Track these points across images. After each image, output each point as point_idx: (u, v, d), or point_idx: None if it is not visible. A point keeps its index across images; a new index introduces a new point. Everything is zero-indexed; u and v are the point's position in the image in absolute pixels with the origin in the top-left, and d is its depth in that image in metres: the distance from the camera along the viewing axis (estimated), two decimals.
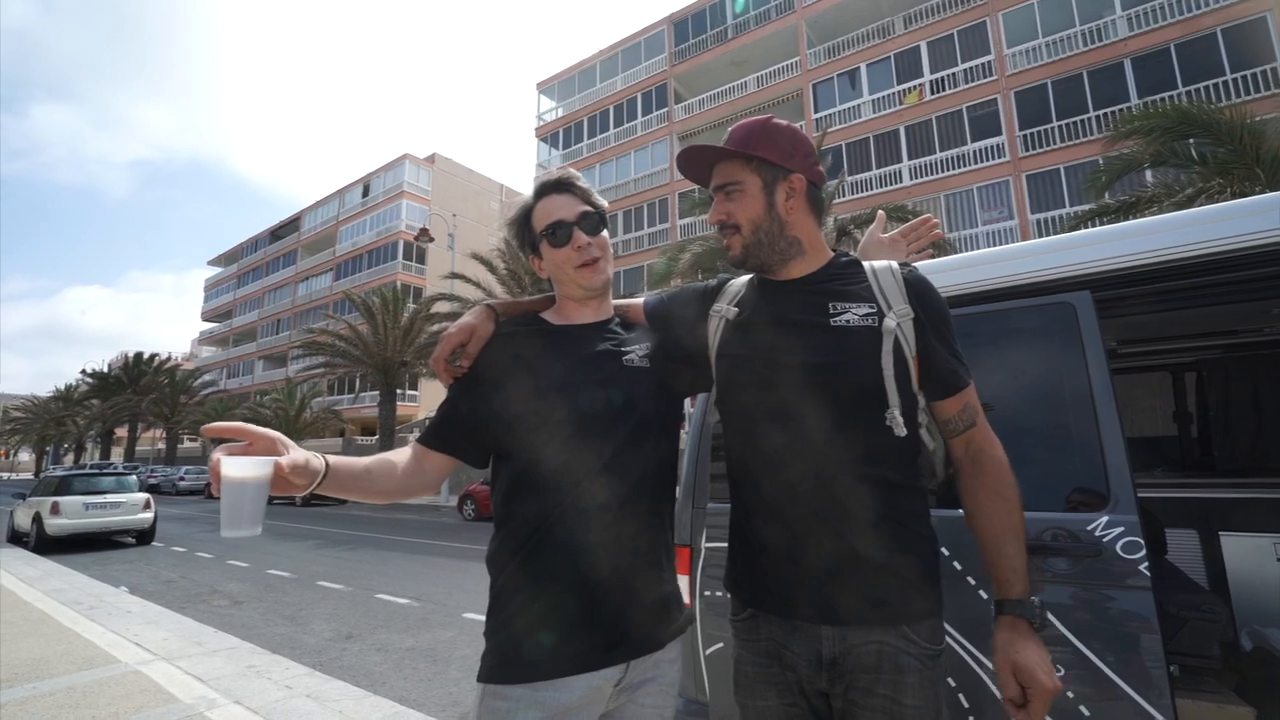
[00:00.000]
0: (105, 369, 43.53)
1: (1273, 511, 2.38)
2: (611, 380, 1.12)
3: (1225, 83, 15.48)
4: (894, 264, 1.15)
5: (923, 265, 1.88)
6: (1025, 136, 17.99)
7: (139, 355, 41.62)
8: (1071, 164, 16.98)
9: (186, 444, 45.34)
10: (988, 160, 18.42)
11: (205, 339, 55.16)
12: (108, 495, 11.54)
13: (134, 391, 39.71)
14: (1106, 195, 11.92)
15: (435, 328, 20.92)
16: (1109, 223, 10.89)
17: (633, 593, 1.06)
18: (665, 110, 25.67)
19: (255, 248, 50.24)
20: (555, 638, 1.01)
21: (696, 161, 1.22)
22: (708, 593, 1.95)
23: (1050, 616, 1.48)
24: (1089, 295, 1.66)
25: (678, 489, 2.16)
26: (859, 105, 21.00)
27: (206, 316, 54.83)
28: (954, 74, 19.38)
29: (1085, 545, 1.47)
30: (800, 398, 1.07)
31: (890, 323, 1.07)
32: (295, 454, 0.93)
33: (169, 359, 42.97)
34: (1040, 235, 17.10)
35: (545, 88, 30.64)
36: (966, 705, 1.56)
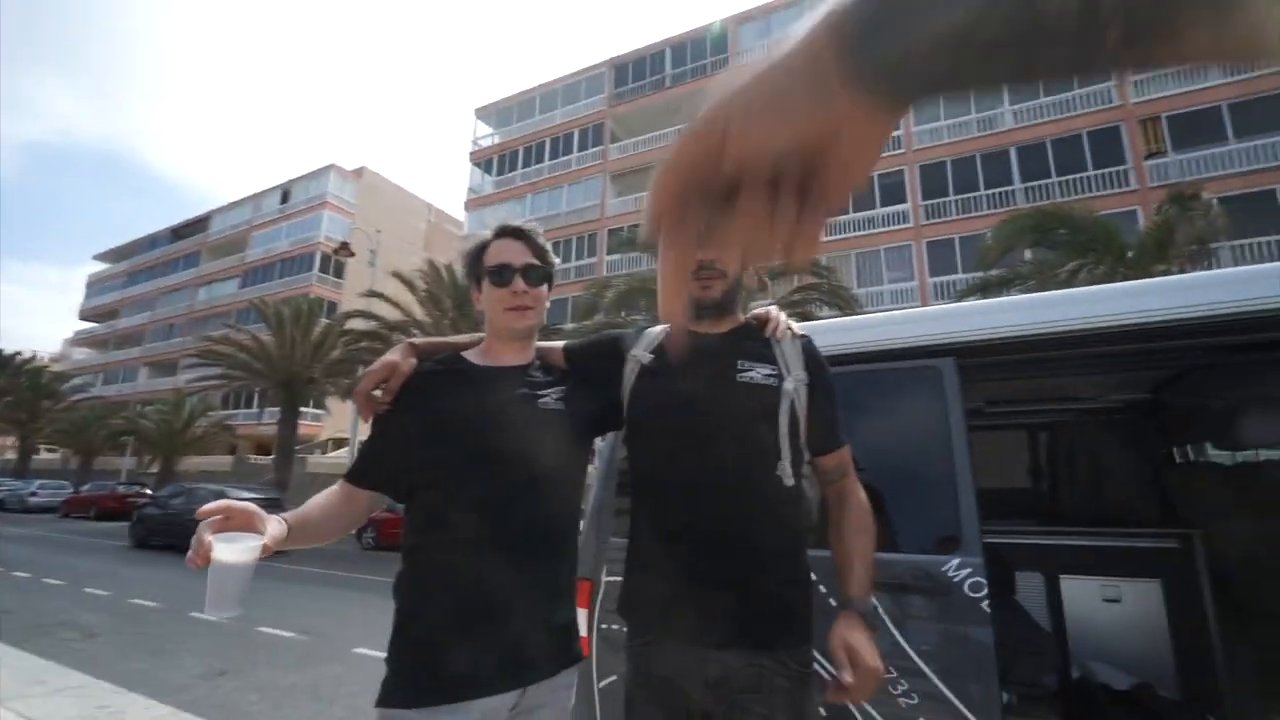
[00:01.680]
0: None
1: (1103, 557, 2.73)
2: (525, 422, 1.20)
3: (1089, 177, 17.74)
4: (792, 329, 1.33)
5: (813, 326, 2.09)
6: (927, 206, 19.74)
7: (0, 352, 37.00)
8: (966, 235, 18.76)
9: (44, 455, 40.40)
10: (894, 225, 20.03)
11: (81, 339, 49.84)
12: None
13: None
14: (991, 270, 13.35)
15: (352, 345, 19.96)
16: (995, 291, 12.29)
17: (531, 622, 1.13)
18: (601, 148, 26.25)
19: (153, 245, 46.36)
20: (453, 664, 1.06)
21: None
22: (604, 625, 2.00)
23: (904, 644, 1.66)
24: (953, 361, 1.90)
25: (582, 523, 2.23)
26: None
27: (86, 315, 49.67)
28: None
29: (938, 584, 1.66)
30: (703, 445, 1.21)
31: (789, 386, 1.23)
32: (272, 528, 0.98)
33: (33, 358, 38.41)
34: (937, 297, 18.68)
35: (484, 113, 30.63)
36: (825, 713, 1.69)
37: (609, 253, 23.71)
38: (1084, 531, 2.80)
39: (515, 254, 1.27)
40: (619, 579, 2.11)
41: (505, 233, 1.30)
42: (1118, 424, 3.08)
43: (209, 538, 0.89)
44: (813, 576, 1.30)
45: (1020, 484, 3.30)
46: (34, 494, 25.32)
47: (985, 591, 1.61)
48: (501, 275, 1.25)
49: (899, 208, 20.05)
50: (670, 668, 1.20)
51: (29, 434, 35.87)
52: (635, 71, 26.53)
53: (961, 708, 1.56)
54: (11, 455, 39.51)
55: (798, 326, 1.39)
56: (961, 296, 14.60)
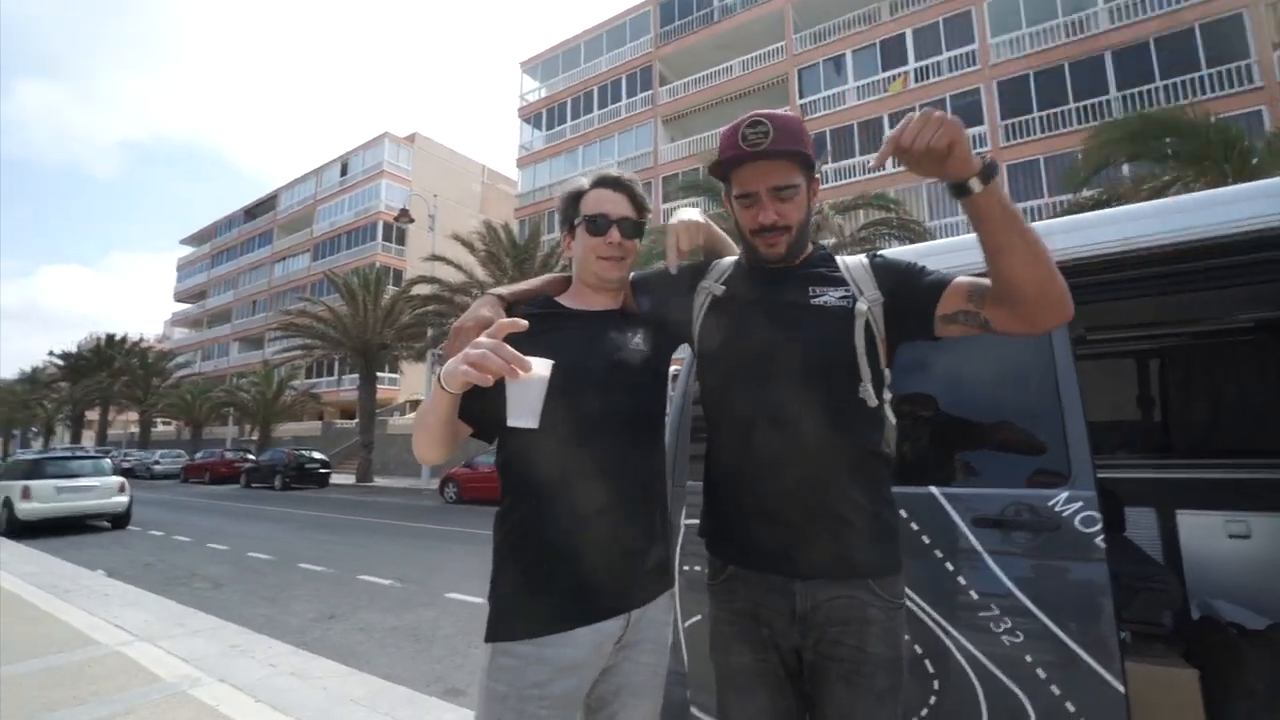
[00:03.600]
0: (75, 350, 42.37)
1: (1225, 491, 2.50)
2: (619, 362, 1.21)
3: (1201, 78, 15.76)
4: (863, 256, 1.26)
5: (900, 250, 1.94)
6: (1007, 126, 18.20)
7: (110, 337, 40.62)
8: (1052, 155, 17.24)
9: (160, 428, 44.54)
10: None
11: (178, 320, 53.98)
12: (81, 479, 11.33)
13: (106, 374, 38.81)
14: (1083, 191, 12.17)
15: (419, 310, 20.68)
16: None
17: (631, 554, 1.15)
18: (650, 93, 25.46)
19: (229, 227, 49.09)
20: (558, 595, 1.08)
21: (761, 156, 1.15)
22: (686, 568, 2.01)
23: (1012, 586, 1.57)
24: None
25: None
26: (844, 92, 21.04)
27: (179, 297, 53.61)
28: (938, 62, 19.50)
29: (1045, 520, 1.55)
30: (780, 371, 1.17)
31: (862, 306, 1.17)
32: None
33: (140, 340, 41.96)
34: None
35: (529, 67, 30.20)
36: (931, 670, 1.64)
37: (664, 200, 23.26)
38: (1204, 464, 2.57)
39: (613, 205, 1.27)
40: (696, 522, 2.11)
41: (604, 182, 1.29)
42: (1243, 345, 2.77)
43: (522, 356, 0.95)
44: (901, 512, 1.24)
45: (1130, 415, 3.06)
46: (157, 463, 28.29)
47: (1099, 526, 1.49)
48: (598, 225, 1.25)
49: (975, 131, 18.56)
50: (754, 601, 1.19)
51: (146, 409, 39.54)
52: (682, 7, 25.33)
53: (1073, 646, 1.48)
54: (134, 429, 43.78)
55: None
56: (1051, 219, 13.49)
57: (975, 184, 0.97)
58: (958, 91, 19.01)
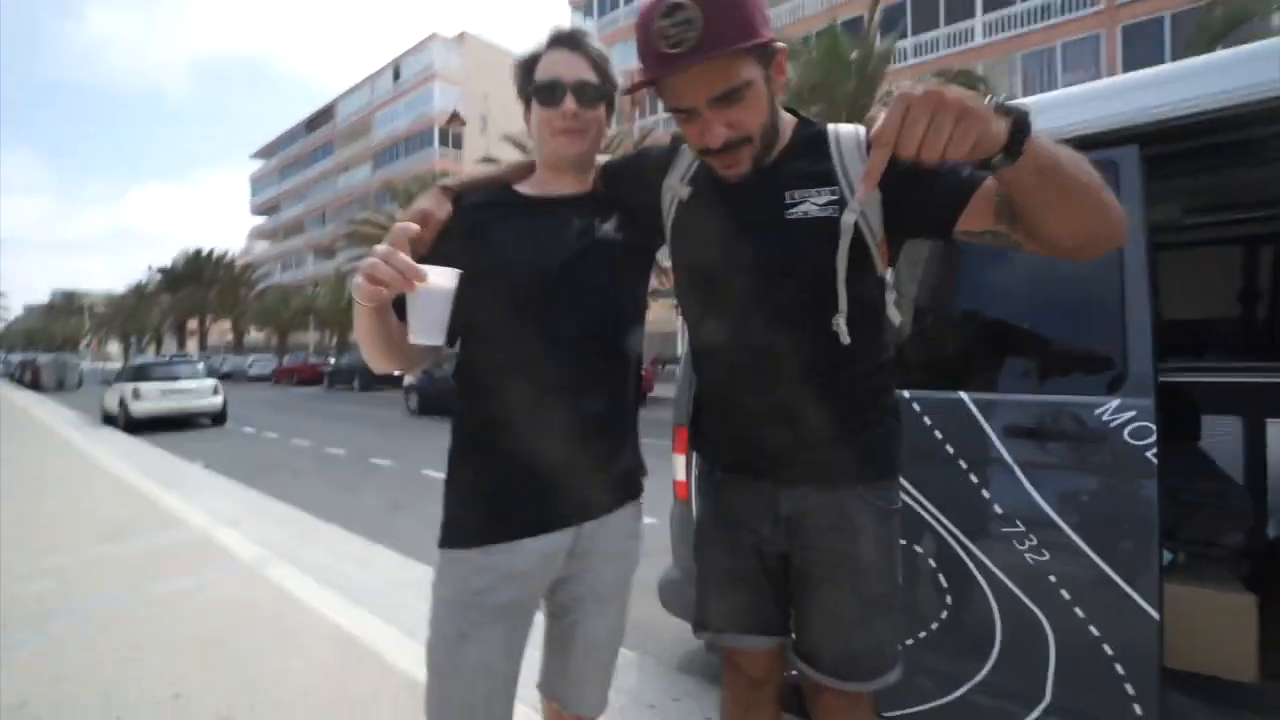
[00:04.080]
0: (170, 265, 45.54)
1: None
2: (584, 253, 1.06)
3: None
4: (860, 130, 1.00)
5: None
6: None
7: (199, 251, 43.23)
8: (1180, 9, 14.70)
9: (252, 335, 48.00)
10: (1077, 9, 16.13)
11: (258, 234, 56.56)
12: (180, 381, 12.51)
13: (199, 285, 41.70)
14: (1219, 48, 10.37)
15: None
16: None
17: (586, 462, 1.06)
18: None
19: (293, 140, 49.86)
20: (504, 503, 1.03)
21: (688, 61, 0.86)
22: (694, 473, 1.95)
23: (1041, 502, 1.41)
24: (1135, 151, 1.42)
25: (678, 369, 2.09)
26: None
27: (255, 210, 55.87)
28: None
29: (1090, 430, 1.36)
30: (750, 299, 1.01)
31: (849, 217, 0.94)
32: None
33: (226, 254, 44.49)
34: None
35: None
36: (945, 585, 1.54)
37: None
38: None
39: (568, 68, 1.06)
40: None
41: (558, 41, 1.08)
42: None
43: (416, 265, 0.87)
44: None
45: (1225, 312, 2.66)
46: (251, 367, 30.76)
47: (1153, 439, 1.29)
48: (551, 93, 1.05)
49: None
50: (739, 506, 1.13)
51: (237, 318, 42.60)
52: None
53: (1105, 568, 1.33)
54: (229, 337, 47.46)
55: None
56: None
57: (999, 160, 0.72)
58: None
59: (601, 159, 1.20)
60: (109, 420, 12.89)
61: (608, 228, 1.10)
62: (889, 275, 1.03)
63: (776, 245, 0.98)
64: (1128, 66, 15.44)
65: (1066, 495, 1.39)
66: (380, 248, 0.88)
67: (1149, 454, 1.29)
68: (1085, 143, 1.46)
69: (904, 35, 17.53)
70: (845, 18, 18.01)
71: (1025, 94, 16.26)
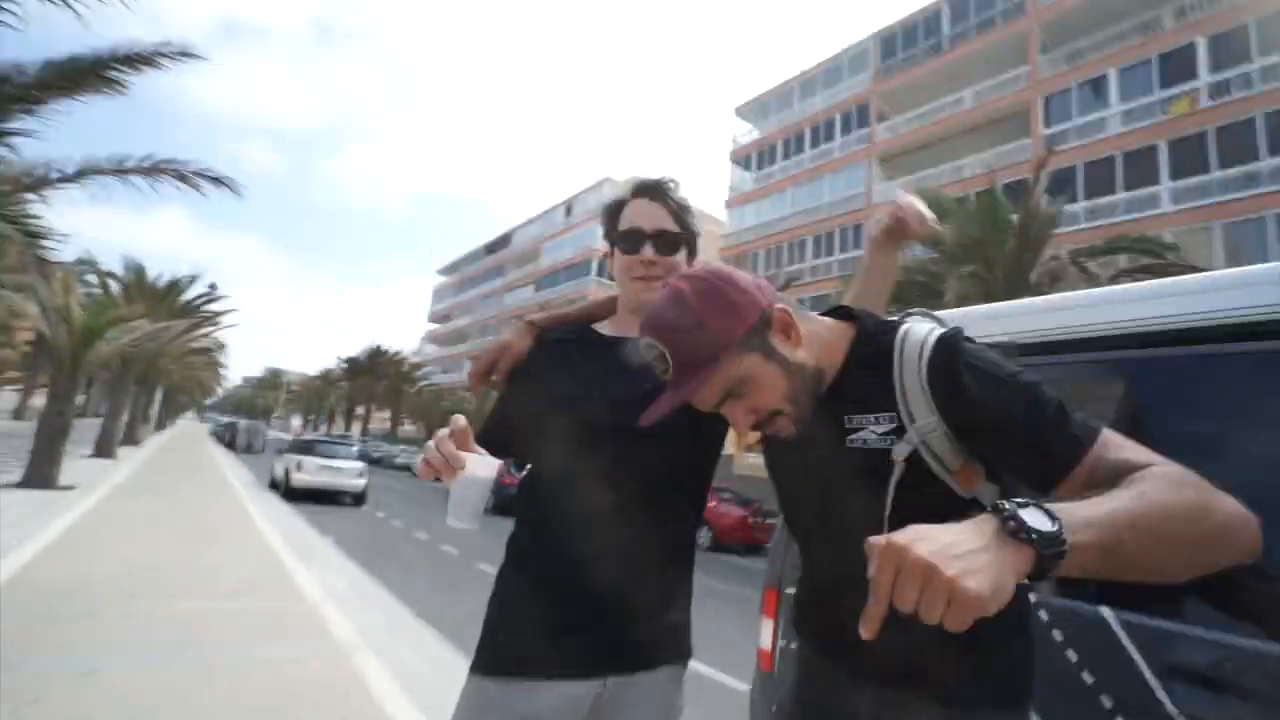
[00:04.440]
0: (354, 356, 52.59)
1: None
2: (643, 395, 0.96)
3: None
4: (928, 340, 0.84)
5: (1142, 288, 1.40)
6: None
7: (378, 347, 49.64)
8: None
9: (406, 427, 52.86)
10: None
11: (429, 338, 64.06)
12: (336, 460, 13.80)
13: (372, 377, 47.44)
14: None
15: None
16: None
17: (627, 612, 1.01)
18: (866, 130, 24.36)
19: (473, 260, 57.30)
20: (527, 636, 1.00)
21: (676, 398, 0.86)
22: (783, 642, 1.69)
23: None
24: None
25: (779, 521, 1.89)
26: (1105, 118, 17.97)
27: (432, 318, 63.70)
28: (1245, 73, 15.71)
29: None
30: (828, 514, 0.95)
31: (901, 449, 0.82)
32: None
33: (398, 352, 50.61)
34: None
35: (743, 111, 30.89)
36: None
37: None
38: None
39: (648, 217, 1.13)
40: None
41: (641, 191, 1.15)
42: None
43: (459, 453, 0.92)
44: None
45: None
46: (397, 456, 33.60)
47: None
48: (632, 240, 1.13)
49: None
50: (816, 687, 1.01)
51: (396, 410, 47.40)
52: (905, 39, 23.99)
53: None
54: (388, 425, 52.63)
55: (934, 321, 0.93)
56: None
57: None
58: (1276, 107, 15.09)
59: None
60: (274, 485, 14.39)
61: None
62: (987, 493, 0.85)
63: (841, 469, 0.89)
64: None
65: None
66: (439, 433, 0.95)
67: None
68: None
69: (1073, 200, 16.81)
70: (1009, 179, 17.79)
71: (1229, 265, 14.64)
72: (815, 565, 1.04)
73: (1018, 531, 0.57)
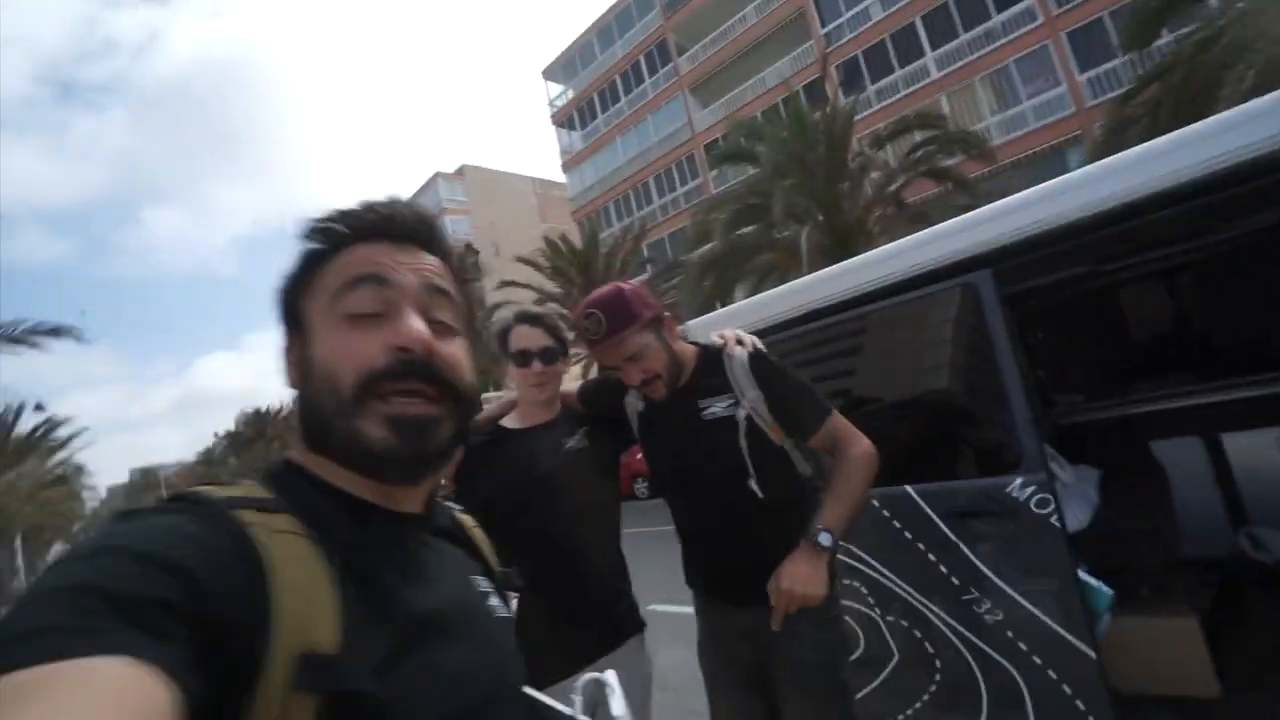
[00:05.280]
0: (233, 428, 48.28)
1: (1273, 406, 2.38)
2: (557, 467, 1.49)
3: None
4: (744, 354, 1.43)
5: (831, 270, 2.08)
6: None
7: (258, 410, 45.88)
8: (1116, 7, 15.33)
9: None
10: (1019, 28, 16.94)
11: None
12: None
13: (263, 443, 43.97)
14: (1165, 32, 10.62)
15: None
16: (1179, 71, 9.37)
17: (601, 611, 1.45)
18: (671, 65, 25.08)
19: None
20: (554, 656, 1.32)
21: (602, 345, 1.40)
22: None
23: (980, 564, 1.70)
24: (989, 273, 1.80)
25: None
26: (867, 7, 19.74)
27: None
28: None
29: (1003, 505, 1.67)
30: (694, 478, 1.46)
31: (741, 412, 1.39)
32: None
33: (282, 409, 47.02)
34: (1095, 94, 15.70)
35: (550, 72, 30.56)
36: (932, 652, 1.81)
37: (710, 168, 22.93)
38: (1249, 381, 2.45)
39: (531, 339, 1.51)
40: None
41: (522, 319, 1.55)
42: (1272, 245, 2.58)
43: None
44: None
45: (1160, 341, 2.92)
46: None
47: (1052, 507, 1.60)
48: (523, 359, 1.51)
49: (1021, 6, 16.88)
50: (715, 624, 1.51)
51: None
52: None
53: (1044, 618, 1.60)
54: None
55: (748, 339, 1.48)
56: (1130, 89, 11.73)
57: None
58: None
59: (574, 386, 1.65)
60: None
61: (575, 440, 1.54)
62: (787, 443, 1.43)
63: (702, 437, 1.42)
64: (1082, 64, 16.05)
65: (1000, 561, 1.68)
66: None
67: (1052, 519, 1.59)
68: (945, 272, 1.86)
69: (864, 89, 18.55)
70: (806, 81, 19.27)
71: (992, 112, 16.92)
72: (685, 514, 1.51)
73: (822, 551, 1.25)
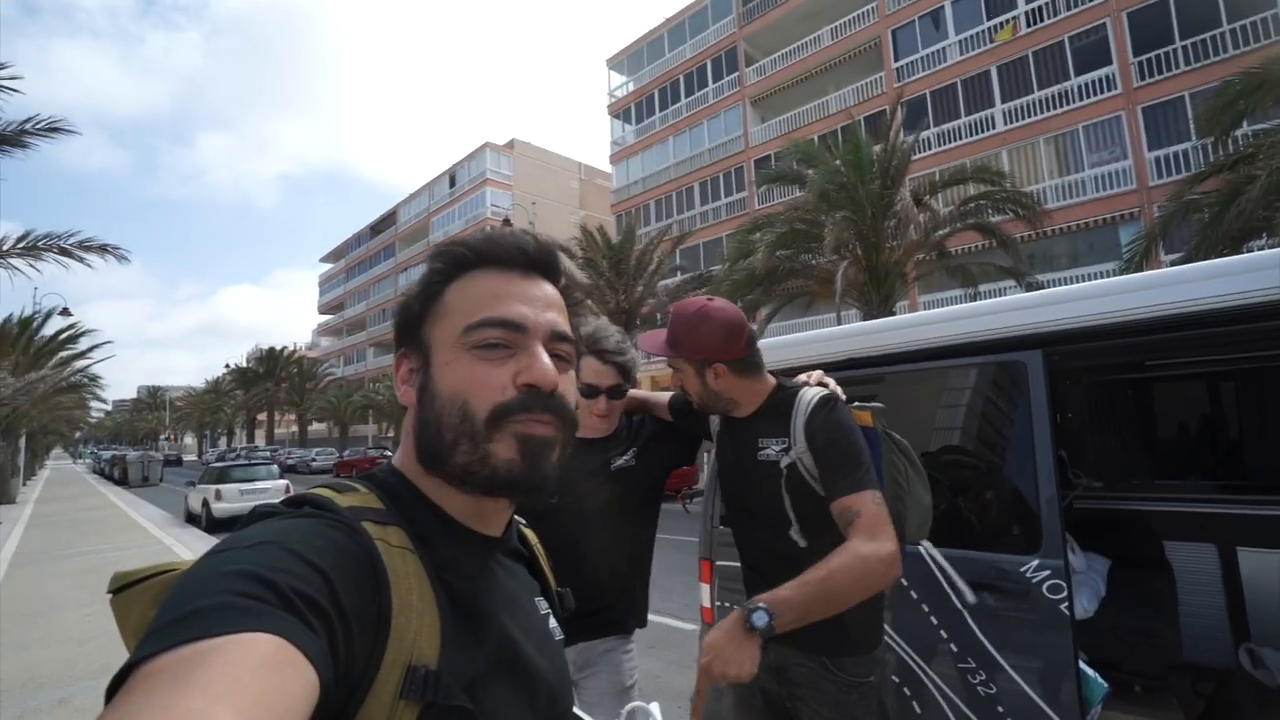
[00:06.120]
0: (244, 363, 49.03)
1: None
2: (598, 485, 1.54)
3: None
4: (814, 398, 1.39)
5: (893, 321, 2.10)
6: (1140, 63, 16.12)
7: (271, 349, 46.52)
8: (1198, 89, 15.07)
9: (315, 426, 50.41)
10: (1095, 95, 16.69)
11: (322, 330, 60.47)
12: (257, 482, 13.47)
13: (270, 382, 44.62)
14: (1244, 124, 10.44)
15: None
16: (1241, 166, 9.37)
17: (599, 608, 1.50)
18: (736, 75, 25.00)
19: (358, 243, 54.09)
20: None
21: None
22: (719, 604, 2.31)
23: (982, 638, 1.73)
24: (1040, 354, 1.82)
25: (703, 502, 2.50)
26: (944, 48, 19.54)
27: (322, 309, 59.99)
28: (1054, 1, 17.57)
29: (1016, 583, 1.70)
30: (746, 509, 1.50)
31: (786, 460, 1.37)
32: None
33: (294, 350, 47.65)
34: (1159, 175, 15.45)
35: (614, 63, 30.60)
36: (918, 711, 1.84)
37: (757, 185, 22.87)
38: (1275, 500, 2.45)
39: (600, 375, 1.55)
40: (728, 562, 2.39)
41: (596, 354, 1.55)
42: None
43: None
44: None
45: (1191, 443, 2.92)
46: (314, 460, 32.24)
47: (1065, 594, 1.62)
48: (590, 393, 1.55)
49: (1101, 72, 16.63)
50: None
51: (302, 411, 45.03)
52: None
53: (1039, 702, 1.62)
54: (294, 429, 49.97)
55: (830, 384, 1.47)
56: (1197, 174, 11.56)
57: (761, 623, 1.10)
58: (1078, 30, 17.05)
59: (666, 396, 1.70)
60: (192, 519, 13.86)
61: (625, 458, 1.59)
62: None
63: (754, 475, 1.43)
64: (1152, 141, 15.80)
65: (1004, 638, 1.70)
66: None
67: (1062, 607, 1.61)
68: (998, 345, 1.89)
69: (926, 127, 18.39)
70: (869, 112, 19.16)
71: (1050, 175, 16.70)
72: (744, 543, 1.52)
73: (750, 629, 1.09)
